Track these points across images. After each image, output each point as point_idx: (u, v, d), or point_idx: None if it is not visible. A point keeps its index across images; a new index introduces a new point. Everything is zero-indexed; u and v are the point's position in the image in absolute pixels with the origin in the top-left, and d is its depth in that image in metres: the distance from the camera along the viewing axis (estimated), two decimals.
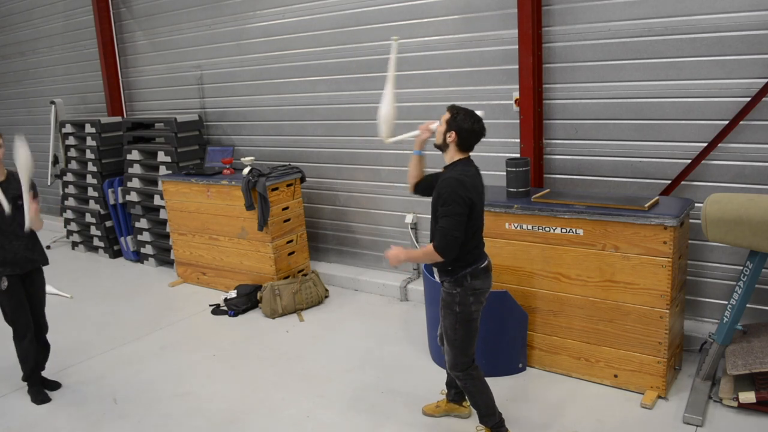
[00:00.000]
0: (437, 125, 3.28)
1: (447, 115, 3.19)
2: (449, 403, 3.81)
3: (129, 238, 7.41)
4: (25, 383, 4.39)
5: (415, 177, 3.49)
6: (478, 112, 3.21)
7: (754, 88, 4.02)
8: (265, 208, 5.63)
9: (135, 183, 7.05)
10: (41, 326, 4.36)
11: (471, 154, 3.26)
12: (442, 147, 3.24)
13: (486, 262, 3.32)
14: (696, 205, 4.12)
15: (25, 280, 4.20)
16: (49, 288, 4.76)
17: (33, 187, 4.04)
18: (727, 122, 4.14)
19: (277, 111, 6.61)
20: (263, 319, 5.53)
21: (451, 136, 3.16)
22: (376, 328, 5.17)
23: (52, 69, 9.07)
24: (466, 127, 3.13)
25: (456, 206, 3.05)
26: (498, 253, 4.22)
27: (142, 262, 7.37)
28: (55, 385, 4.47)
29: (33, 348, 4.27)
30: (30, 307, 4.24)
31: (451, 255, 3.12)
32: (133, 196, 7.10)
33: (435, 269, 3.35)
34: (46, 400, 4.31)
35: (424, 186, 3.48)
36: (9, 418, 4.12)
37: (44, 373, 4.46)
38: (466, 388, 3.40)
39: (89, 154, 7.47)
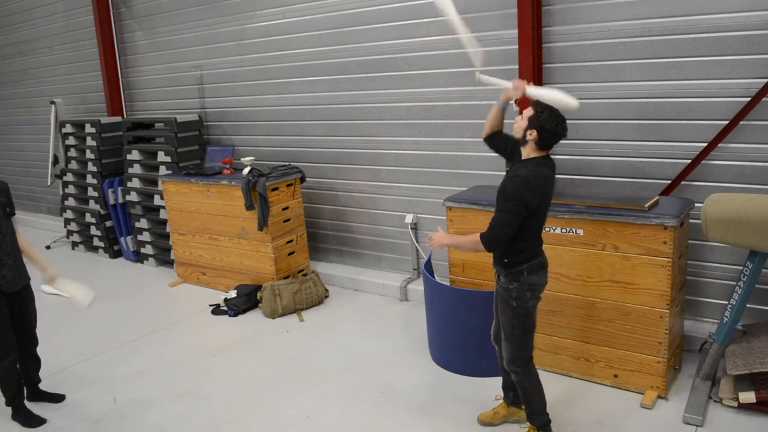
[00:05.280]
0: (525, 108, 3.10)
1: (531, 112, 3.02)
2: (509, 407, 3.64)
3: (129, 238, 7.41)
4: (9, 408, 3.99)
5: (491, 127, 3.33)
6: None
7: (754, 88, 4.01)
8: (265, 208, 5.63)
9: (135, 183, 7.05)
10: (32, 340, 4.08)
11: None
12: (521, 142, 3.11)
13: (543, 259, 3.25)
14: (696, 205, 4.12)
15: (14, 297, 3.87)
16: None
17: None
18: (727, 122, 4.13)
19: (277, 111, 6.60)
20: (263, 319, 5.53)
21: (532, 135, 3.02)
22: (376, 328, 5.16)
23: (52, 69, 9.07)
24: (549, 128, 2.98)
25: (515, 205, 2.96)
26: None
27: (142, 262, 7.37)
28: (59, 398, 4.25)
29: (15, 371, 3.88)
30: (21, 324, 3.94)
31: (495, 249, 3.08)
32: (133, 196, 7.10)
33: (494, 263, 3.28)
34: (39, 421, 3.96)
35: (497, 143, 3.38)
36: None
37: (44, 387, 4.26)
38: (521, 383, 3.31)
39: (89, 154, 7.47)
